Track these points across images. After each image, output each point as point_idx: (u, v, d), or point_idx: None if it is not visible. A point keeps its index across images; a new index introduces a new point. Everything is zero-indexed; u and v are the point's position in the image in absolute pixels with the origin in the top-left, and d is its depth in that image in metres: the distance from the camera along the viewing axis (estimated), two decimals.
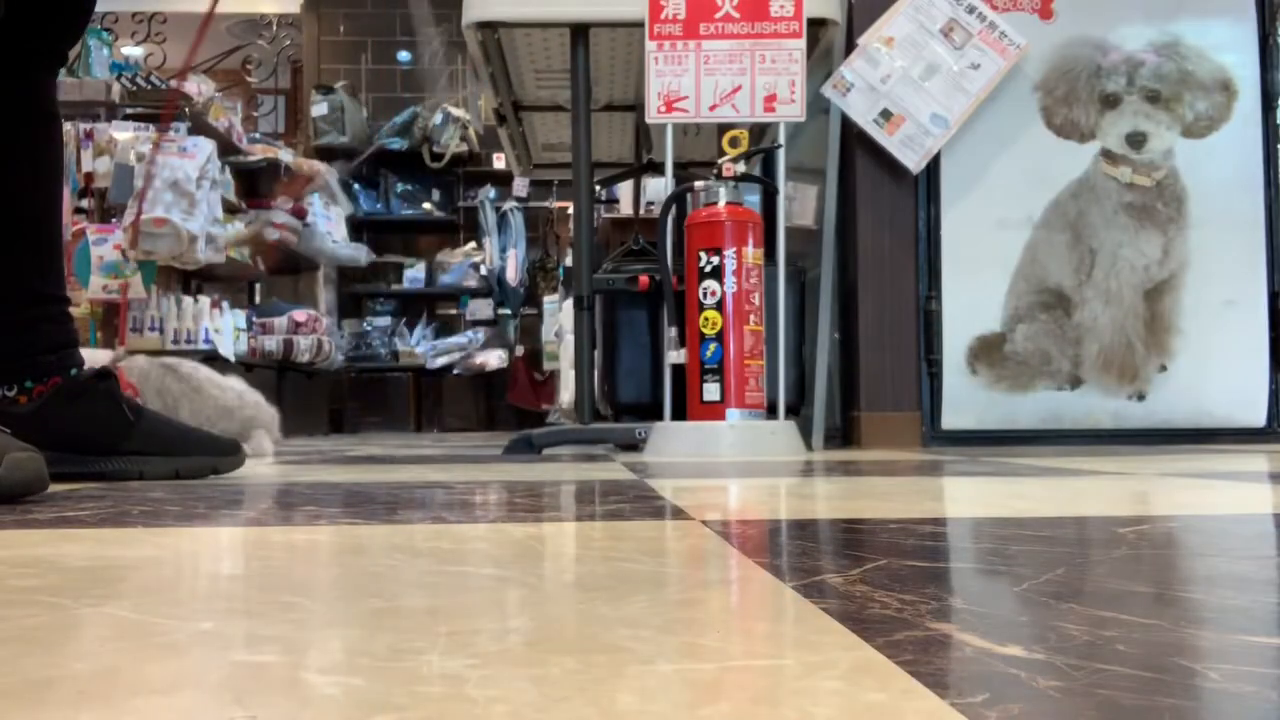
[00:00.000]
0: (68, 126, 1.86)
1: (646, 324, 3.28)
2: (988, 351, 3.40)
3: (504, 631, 0.56)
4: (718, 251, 2.82)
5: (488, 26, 3.19)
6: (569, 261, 6.28)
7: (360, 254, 7.09)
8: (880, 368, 3.42)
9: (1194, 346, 3.39)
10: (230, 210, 5.20)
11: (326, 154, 7.43)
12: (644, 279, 3.07)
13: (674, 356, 2.88)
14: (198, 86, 5.38)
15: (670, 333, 2.90)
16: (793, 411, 3.17)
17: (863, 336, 3.43)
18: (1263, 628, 0.57)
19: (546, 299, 7.23)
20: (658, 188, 4.64)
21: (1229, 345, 3.40)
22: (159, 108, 4.82)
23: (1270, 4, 3.45)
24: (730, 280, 2.81)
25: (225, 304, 5.14)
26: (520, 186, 7.70)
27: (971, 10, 3.29)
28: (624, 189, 5.52)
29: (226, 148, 5.31)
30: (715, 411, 2.80)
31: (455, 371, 7.70)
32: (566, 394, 5.61)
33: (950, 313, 3.41)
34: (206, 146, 4.55)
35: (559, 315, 6.31)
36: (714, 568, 0.80)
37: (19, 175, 1.76)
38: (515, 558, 0.84)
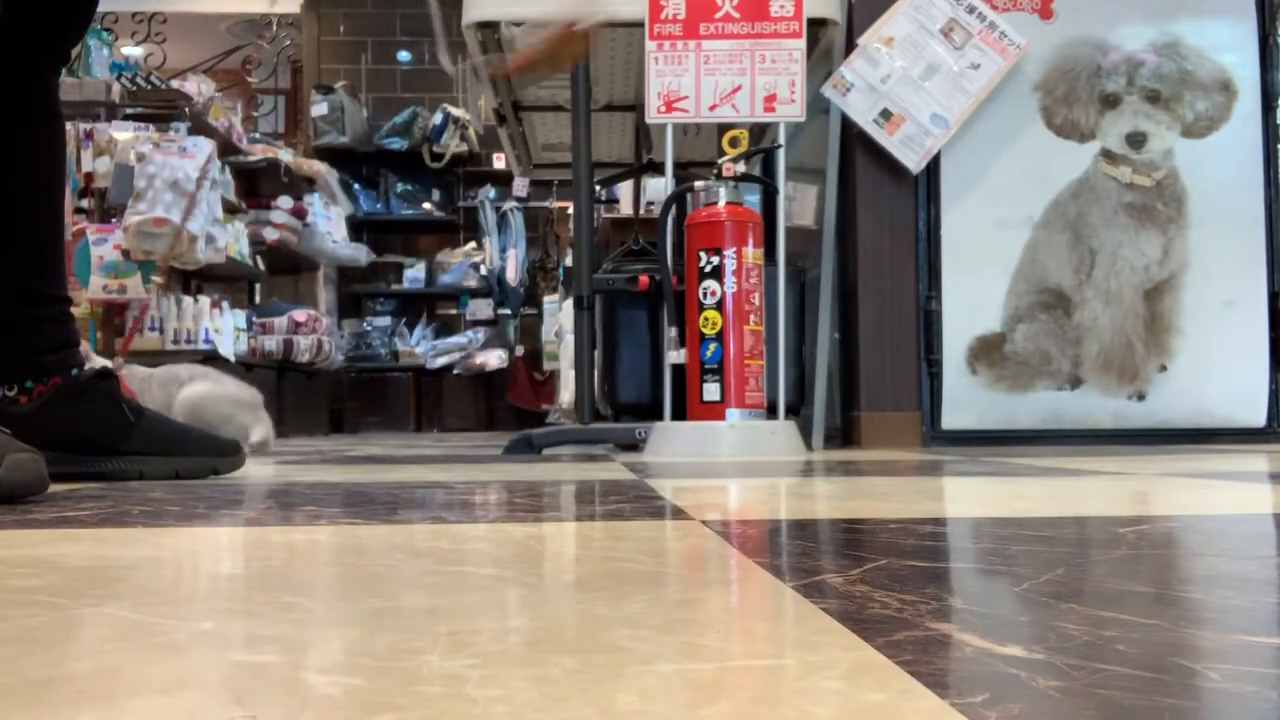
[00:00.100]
0: (68, 126, 1.86)
1: (646, 324, 3.28)
2: (988, 351, 3.40)
3: (504, 631, 0.56)
4: (718, 251, 2.82)
5: (488, 26, 3.19)
6: (569, 261, 6.28)
7: (360, 254, 7.09)
8: (880, 368, 3.42)
9: (1194, 346, 3.39)
10: (230, 210, 5.20)
11: (326, 154, 7.44)
12: (644, 279, 3.07)
13: (674, 356, 2.88)
14: (198, 86, 5.38)
15: (670, 333, 2.90)
16: (793, 411, 3.17)
17: (863, 336, 3.43)
18: (1263, 628, 0.57)
19: (546, 299, 7.23)
20: (658, 188, 4.64)
21: (1229, 345, 3.40)
22: (159, 108, 4.82)
23: (1270, 4, 3.45)
24: (730, 280, 2.81)
25: (225, 304, 5.14)
26: (520, 186, 7.70)
27: (971, 10, 3.29)
28: (624, 189, 5.52)
29: (226, 148, 5.31)
30: (715, 411, 2.80)
31: (455, 371, 7.70)
32: (566, 394, 5.61)
33: (950, 313, 3.41)
34: (206, 146, 4.55)
35: (559, 315, 6.31)
36: (714, 568, 0.80)
37: (21, 175, 1.76)
38: (515, 558, 0.84)
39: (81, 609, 0.63)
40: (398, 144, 7.82)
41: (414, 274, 7.91)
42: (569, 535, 1.02)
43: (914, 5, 3.30)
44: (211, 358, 4.57)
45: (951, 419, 3.41)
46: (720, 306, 2.81)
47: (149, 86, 5.12)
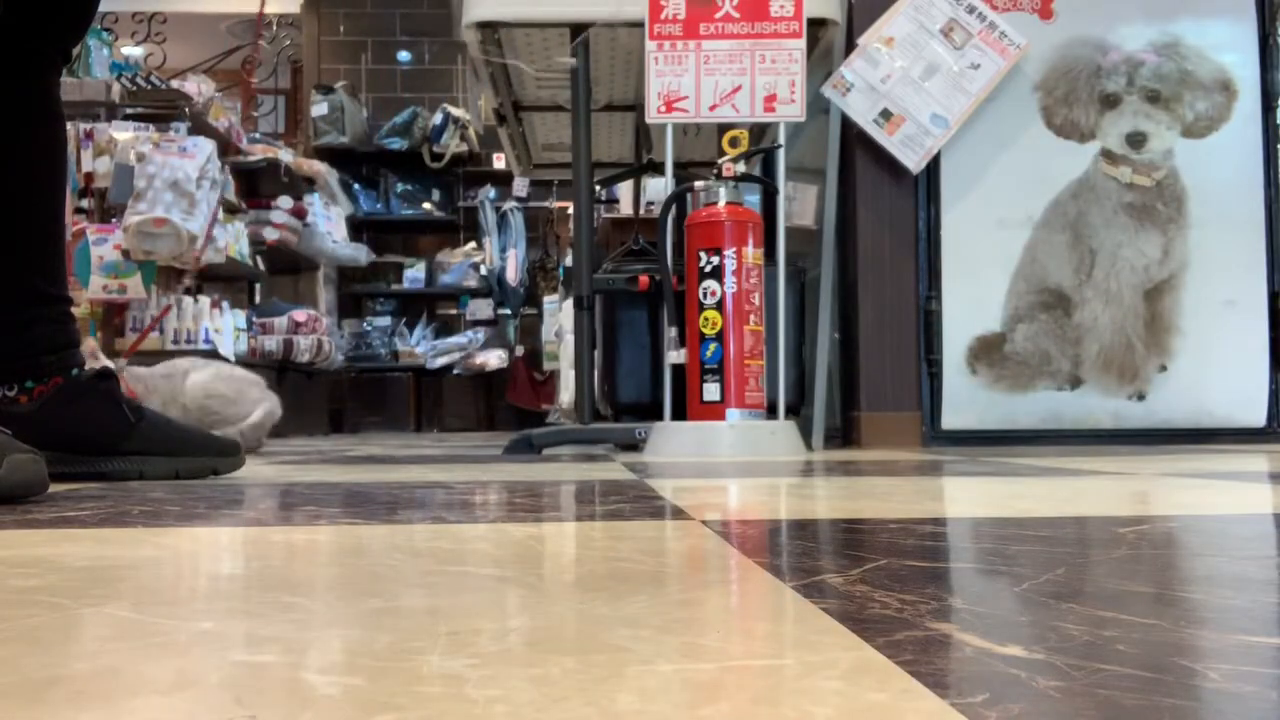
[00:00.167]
0: (68, 126, 1.86)
1: (646, 324, 3.28)
2: (988, 351, 3.40)
3: (504, 631, 0.56)
4: (718, 251, 2.82)
5: (488, 26, 3.19)
6: (569, 261, 6.28)
7: (360, 254, 7.09)
8: (880, 368, 3.42)
9: (1194, 346, 3.39)
10: (230, 210, 5.20)
11: (326, 154, 7.44)
12: (644, 279, 3.07)
13: (674, 356, 2.88)
14: (198, 86, 5.38)
15: (670, 333, 2.90)
16: (793, 411, 3.17)
17: (863, 336, 3.43)
18: (1263, 628, 0.57)
19: (546, 299, 7.23)
20: (658, 188, 4.65)
21: (1229, 345, 3.40)
22: (159, 108, 4.82)
23: (1270, 4, 3.45)
24: (730, 280, 2.81)
25: (225, 304, 5.14)
26: (520, 186, 7.70)
27: (971, 10, 3.29)
28: (624, 189, 5.52)
29: (226, 148, 5.31)
30: (715, 411, 2.80)
31: (455, 371, 7.70)
32: (566, 394, 5.61)
33: (950, 313, 3.41)
34: (206, 146, 4.55)
35: (559, 315, 6.31)
36: (714, 568, 0.80)
37: (21, 175, 1.76)
38: (515, 558, 0.84)
39: (81, 609, 0.63)
40: (398, 144, 7.82)
41: (414, 274, 7.92)
42: (569, 535, 1.02)
43: (914, 5, 3.30)
44: (211, 357, 4.57)
45: (951, 419, 3.41)
46: (720, 306, 2.81)
47: (149, 86, 5.12)
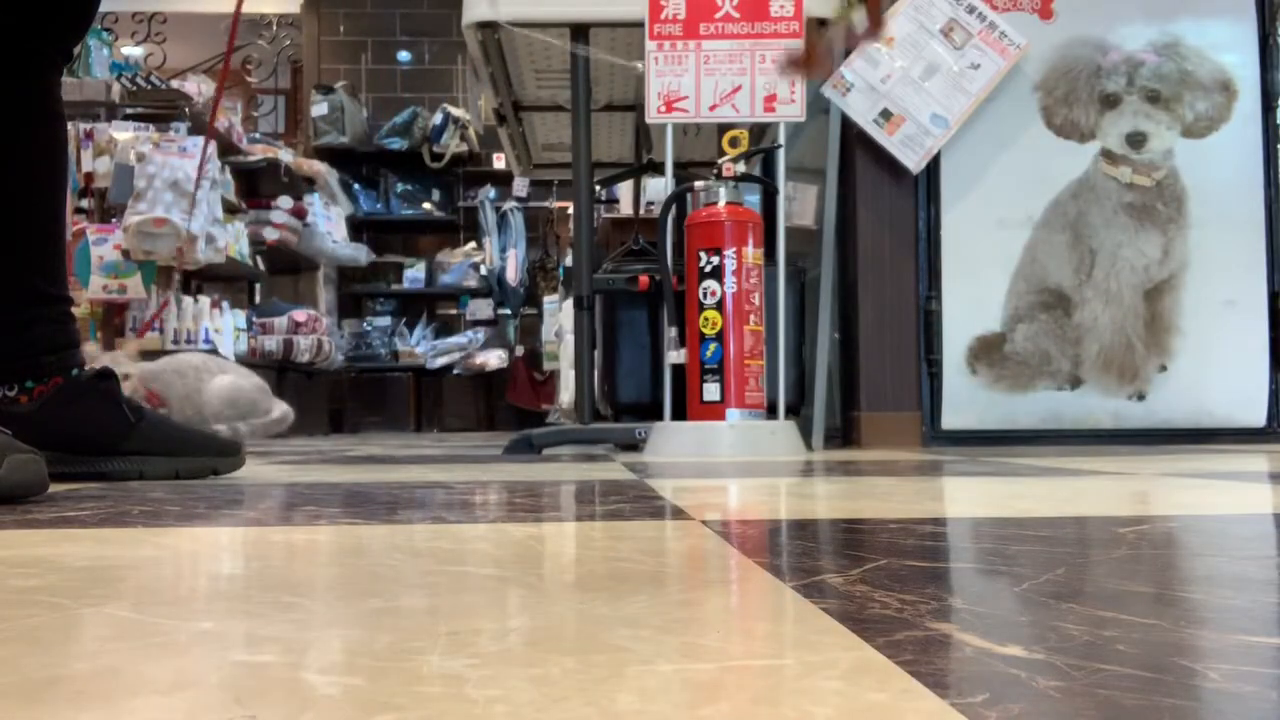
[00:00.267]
0: (68, 126, 1.86)
1: (646, 324, 3.28)
2: (988, 351, 3.40)
3: (504, 631, 0.56)
4: (718, 251, 2.82)
5: (488, 26, 3.19)
6: (569, 261, 6.28)
7: (360, 254, 7.09)
8: (880, 368, 3.42)
9: (1194, 346, 3.39)
10: (230, 210, 5.20)
11: (326, 154, 7.44)
12: (644, 279, 3.07)
13: (674, 356, 2.88)
14: (198, 86, 5.38)
15: (670, 333, 2.90)
16: (793, 411, 3.17)
17: (863, 336, 3.43)
18: (1263, 628, 0.57)
19: (546, 299, 7.23)
20: (658, 188, 4.64)
21: (1229, 345, 3.40)
22: (159, 108, 4.83)
23: (1270, 4, 3.45)
24: (730, 280, 2.81)
25: (225, 304, 5.14)
26: (520, 186, 7.70)
27: (971, 10, 3.29)
28: (624, 189, 5.52)
29: (226, 148, 5.31)
30: (715, 411, 2.80)
31: (455, 371, 7.70)
32: (566, 394, 5.61)
33: (950, 313, 3.41)
34: (209, 149, 4.54)
35: (559, 315, 6.31)
36: (714, 568, 0.80)
37: (21, 175, 1.76)
38: (515, 558, 0.84)
39: (81, 609, 0.63)
40: (398, 144, 7.82)
41: (414, 274, 7.91)
42: (569, 535, 1.02)
43: (914, 5, 3.30)
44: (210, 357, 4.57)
45: (951, 419, 3.41)
46: (720, 306, 2.81)
47: (149, 86, 5.12)
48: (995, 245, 3.41)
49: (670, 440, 2.80)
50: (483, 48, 3.34)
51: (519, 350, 7.72)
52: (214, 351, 4.73)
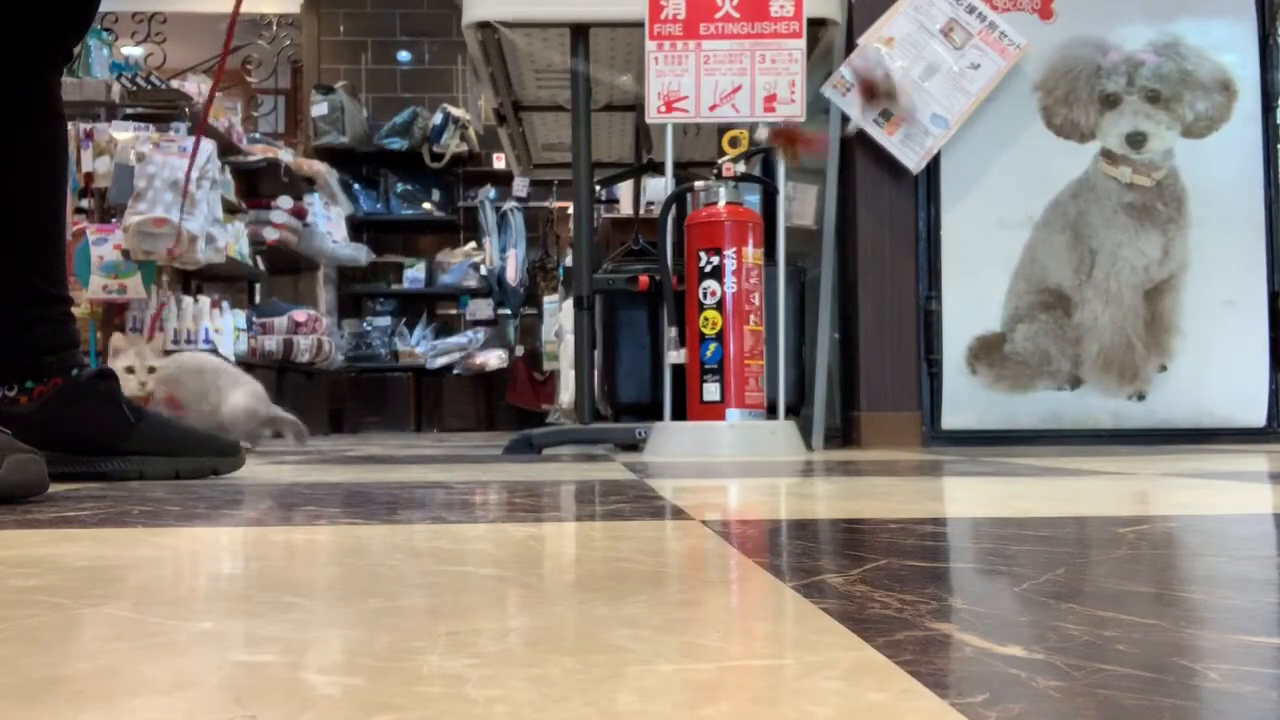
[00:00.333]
0: (68, 126, 1.86)
1: (646, 324, 3.28)
2: (988, 351, 3.40)
3: (504, 631, 0.56)
4: (718, 251, 2.82)
5: (488, 26, 3.19)
6: (569, 261, 6.29)
7: (360, 254, 7.09)
8: (880, 368, 3.42)
9: (1194, 346, 3.39)
10: (230, 210, 5.20)
11: (326, 154, 7.44)
12: (644, 279, 3.07)
13: (674, 356, 2.88)
14: (198, 86, 5.38)
15: (670, 333, 2.90)
16: (793, 411, 3.17)
17: (863, 336, 3.43)
18: (1263, 628, 0.57)
19: (546, 299, 7.23)
20: (658, 188, 4.64)
21: (1229, 345, 3.40)
22: (159, 108, 4.82)
23: (1270, 4, 3.45)
24: (730, 280, 2.81)
25: (225, 304, 5.14)
26: (520, 186, 7.70)
27: (971, 10, 3.29)
28: (624, 189, 5.52)
29: (226, 148, 5.31)
30: (715, 411, 2.80)
31: (455, 371, 7.70)
32: (566, 394, 5.61)
33: (950, 313, 3.41)
34: (206, 146, 4.55)
35: (559, 315, 6.31)
36: (714, 568, 0.80)
37: (21, 175, 1.76)
38: (515, 558, 0.84)
39: (81, 609, 0.63)
40: (398, 144, 7.82)
41: (414, 274, 7.91)
42: (569, 535, 1.02)
43: (914, 5, 3.30)
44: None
45: (951, 419, 3.41)
46: (720, 306, 2.81)
47: (149, 86, 5.12)
48: (995, 245, 3.41)
49: (670, 440, 2.80)
50: (483, 48, 3.34)
51: (519, 350, 7.72)
52: (214, 352, 4.74)
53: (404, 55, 8.23)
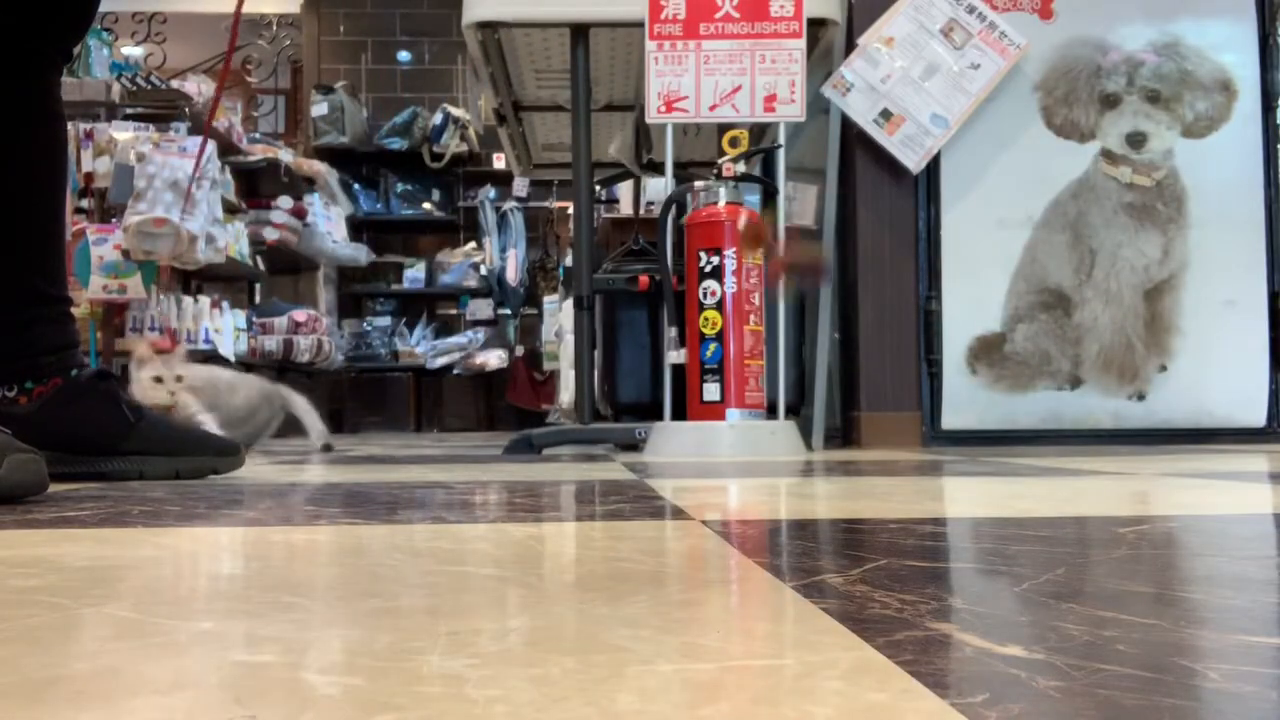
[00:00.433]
0: (68, 126, 1.87)
1: (646, 324, 3.28)
2: (988, 351, 3.40)
3: (504, 631, 0.56)
4: (717, 251, 2.82)
5: (488, 26, 3.19)
6: (569, 261, 6.28)
7: (360, 254, 7.09)
8: (880, 368, 3.42)
9: (1194, 346, 3.39)
10: (230, 210, 5.20)
11: (326, 154, 7.44)
12: (644, 279, 3.07)
13: (674, 356, 2.88)
14: (198, 86, 5.38)
15: (670, 333, 2.90)
16: (793, 411, 3.17)
17: (863, 336, 3.43)
18: (1263, 628, 0.57)
19: (546, 299, 7.23)
20: (658, 188, 4.64)
21: (1229, 345, 3.40)
22: (159, 108, 4.82)
23: (1270, 4, 3.45)
24: (730, 280, 2.81)
25: (225, 304, 5.14)
26: (520, 186, 7.70)
27: (971, 10, 3.29)
28: (624, 189, 5.51)
29: (226, 148, 5.31)
30: (715, 411, 2.80)
31: (455, 371, 7.70)
32: (566, 394, 5.61)
33: (950, 313, 3.41)
34: (207, 146, 4.54)
35: (559, 315, 6.31)
36: (714, 568, 0.80)
37: (21, 175, 1.76)
38: (515, 558, 0.84)
39: (81, 609, 0.63)
40: (398, 144, 7.82)
41: (414, 274, 7.91)
42: (569, 535, 1.02)
43: (914, 5, 3.30)
44: (212, 358, 4.57)
45: (951, 419, 3.41)
46: (720, 306, 2.81)
47: (149, 86, 5.12)
48: (995, 245, 3.41)
49: (670, 440, 2.80)
50: (483, 48, 3.34)
51: (519, 350, 7.72)
52: (214, 352, 4.74)
53: (404, 55, 8.23)
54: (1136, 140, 3.37)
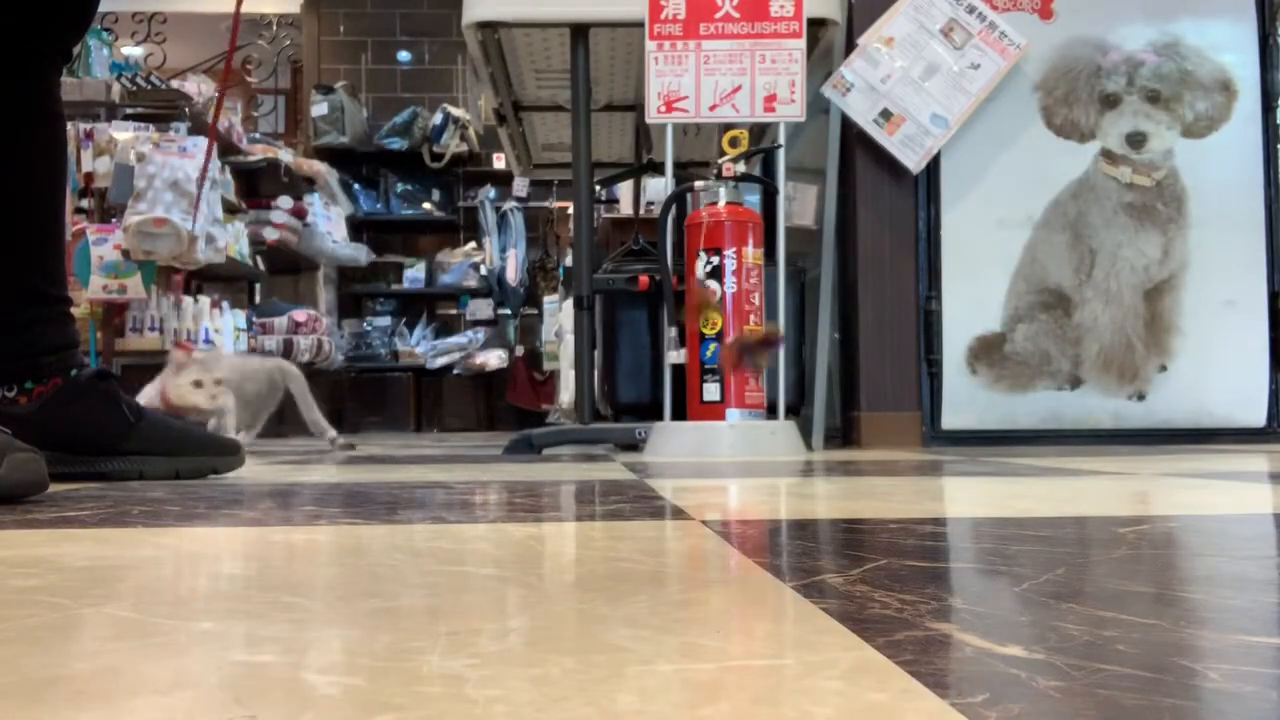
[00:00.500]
0: (68, 126, 1.87)
1: (646, 324, 3.28)
2: (988, 351, 3.40)
3: (504, 631, 0.56)
4: (718, 251, 2.81)
5: (488, 26, 3.19)
6: (569, 261, 6.29)
7: (360, 254, 7.09)
8: (880, 368, 3.42)
9: (1194, 346, 3.39)
10: (230, 210, 5.20)
11: (326, 154, 7.44)
12: (644, 279, 3.07)
13: (674, 356, 2.88)
14: (198, 86, 5.38)
15: (670, 333, 2.90)
16: (793, 411, 3.17)
17: (863, 336, 3.43)
18: (1263, 628, 0.57)
19: (546, 299, 7.23)
20: (658, 188, 4.65)
21: (1229, 345, 3.40)
22: (159, 108, 4.82)
23: (1270, 4, 3.45)
24: (730, 280, 2.81)
25: (225, 304, 5.14)
26: (520, 186, 7.70)
27: (971, 10, 3.29)
28: (624, 189, 5.52)
29: (226, 148, 5.31)
30: (715, 411, 2.80)
31: (455, 371, 7.70)
32: (566, 394, 5.61)
33: (950, 313, 3.41)
34: (212, 152, 4.54)
35: (559, 315, 6.31)
36: (714, 568, 0.80)
37: (21, 175, 1.76)
38: (515, 558, 0.84)
39: (81, 609, 0.63)
40: (398, 144, 7.82)
41: (414, 274, 7.91)
42: (569, 535, 1.02)
43: (914, 5, 3.30)
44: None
45: (951, 419, 3.41)
46: (720, 306, 2.81)
47: (149, 86, 5.12)
48: (995, 245, 3.41)
49: (670, 440, 2.80)
50: (483, 48, 3.34)
51: (519, 350, 7.72)
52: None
53: (404, 55, 8.23)
54: (1136, 140, 3.37)
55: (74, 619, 0.60)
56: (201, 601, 0.67)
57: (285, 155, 6.01)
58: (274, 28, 8.76)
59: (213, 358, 2.85)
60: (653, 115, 2.95)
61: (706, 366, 2.81)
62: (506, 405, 7.75)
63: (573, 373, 3.43)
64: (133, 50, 8.17)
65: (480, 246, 7.85)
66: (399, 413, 7.83)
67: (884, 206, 3.44)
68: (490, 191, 7.87)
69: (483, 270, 7.79)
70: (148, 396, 2.83)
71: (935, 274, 3.42)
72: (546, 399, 7.25)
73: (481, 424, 7.82)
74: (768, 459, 2.54)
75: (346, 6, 8.19)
